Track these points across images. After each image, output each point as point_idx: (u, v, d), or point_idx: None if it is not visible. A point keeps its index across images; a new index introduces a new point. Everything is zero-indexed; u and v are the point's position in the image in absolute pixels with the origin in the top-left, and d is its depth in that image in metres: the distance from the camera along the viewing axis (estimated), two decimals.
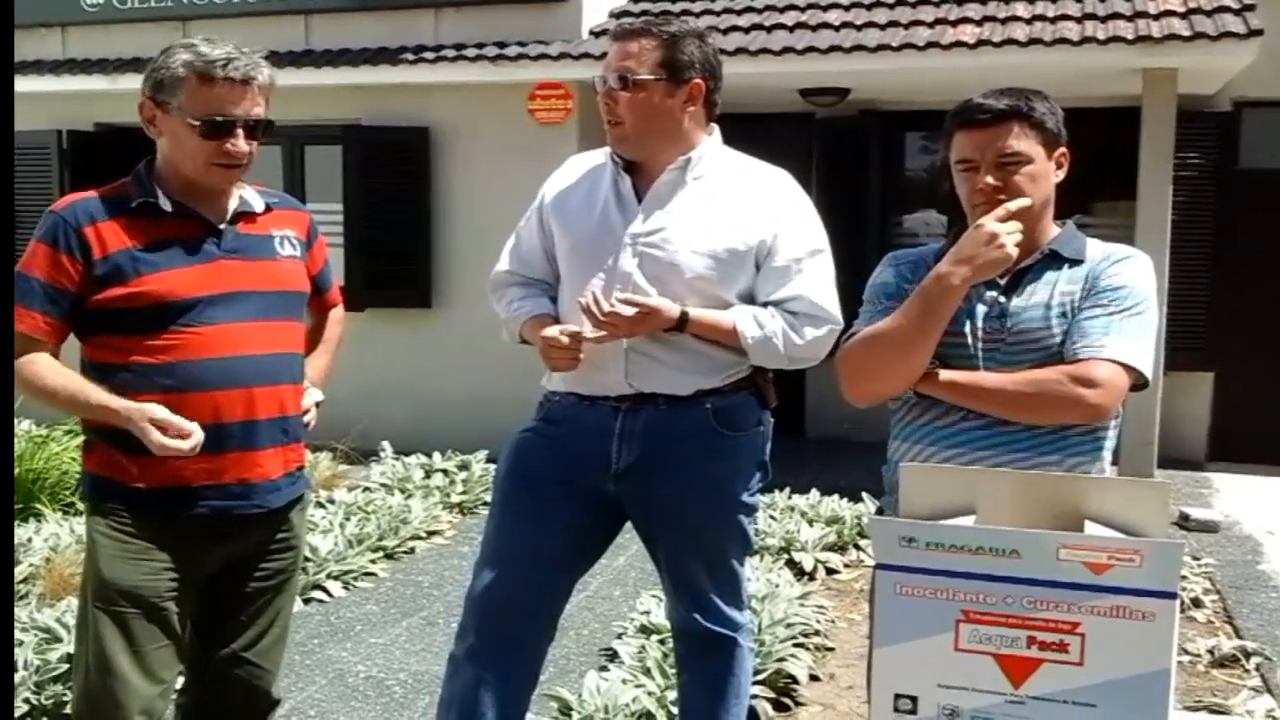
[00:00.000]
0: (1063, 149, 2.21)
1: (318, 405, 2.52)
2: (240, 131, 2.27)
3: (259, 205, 2.42)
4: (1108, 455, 2.20)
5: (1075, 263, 2.19)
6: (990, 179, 2.14)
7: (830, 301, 2.55)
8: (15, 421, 6.22)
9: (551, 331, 2.45)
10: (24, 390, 2.27)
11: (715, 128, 2.62)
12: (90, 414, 2.25)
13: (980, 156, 2.16)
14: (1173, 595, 1.66)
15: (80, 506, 4.92)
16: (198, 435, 2.17)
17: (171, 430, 2.16)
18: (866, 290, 2.33)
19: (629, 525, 2.64)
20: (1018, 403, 2.10)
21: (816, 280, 2.54)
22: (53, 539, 5.07)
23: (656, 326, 2.43)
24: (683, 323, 2.43)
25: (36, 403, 2.30)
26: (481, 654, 2.49)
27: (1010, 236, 2.08)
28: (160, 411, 2.16)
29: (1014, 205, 2.11)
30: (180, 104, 2.24)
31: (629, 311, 2.39)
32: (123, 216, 2.26)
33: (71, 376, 2.25)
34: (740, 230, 2.49)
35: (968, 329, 2.18)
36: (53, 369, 2.25)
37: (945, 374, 2.15)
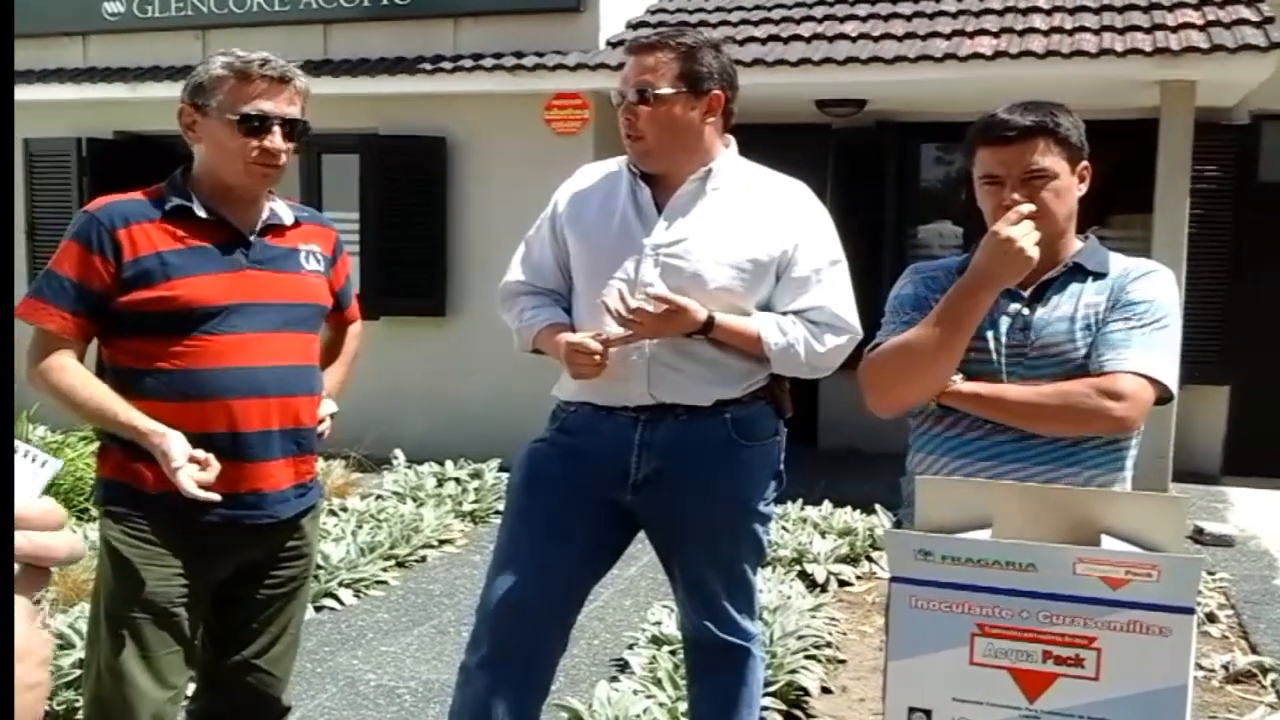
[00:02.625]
0: (1085, 163, 2.21)
1: (332, 417, 2.52)
2: (277, 129, 2.29)
3: (288, 218, 2.43)
4: (1129, 468, 2.19)
5: (1099, 276, 2.19)
6: (1016, 195, 2.14)
7: (849, 312, 2.56)
8: (31, 427, 6.27)
9: (579, 337, 2.45)
10: (53, 396, 2.25)
11: (731, 139, 2.62)
12: (115, 429, 2.24)
13: (1006, 173, 2.16)
14: (1190, 610, 1.65)
15: (94, 512, 4.94)
16: (214, 469, 2.15)
17: (188, 463, 2.13)
18: (889, 302, 2.33)
19: (639, 535, 2.64)
20: (1043, 414, 2.10)
21: (836, 290, 2.55)
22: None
23: (683, 329, 2.42)
24: (708, 326, 2.43)
25: (58, 406, 2.28)
26: (494, 664, 2.48)
27: (1027, 239, 2.08)
28: (179, 443, 2.14)
29: (1024, 209, 2.11)
30: (219, 103, 2.27)
31: (659, 308, 2.38)
32: (155, 220, 2.28)
33: (100, 388, 2.24)
34: (762, 241, 2.49)
35: (991, 341, 2.18)
36: (81, 379, 2.23)
37: (969, 385, 2.15)
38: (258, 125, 2.27)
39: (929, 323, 2.15)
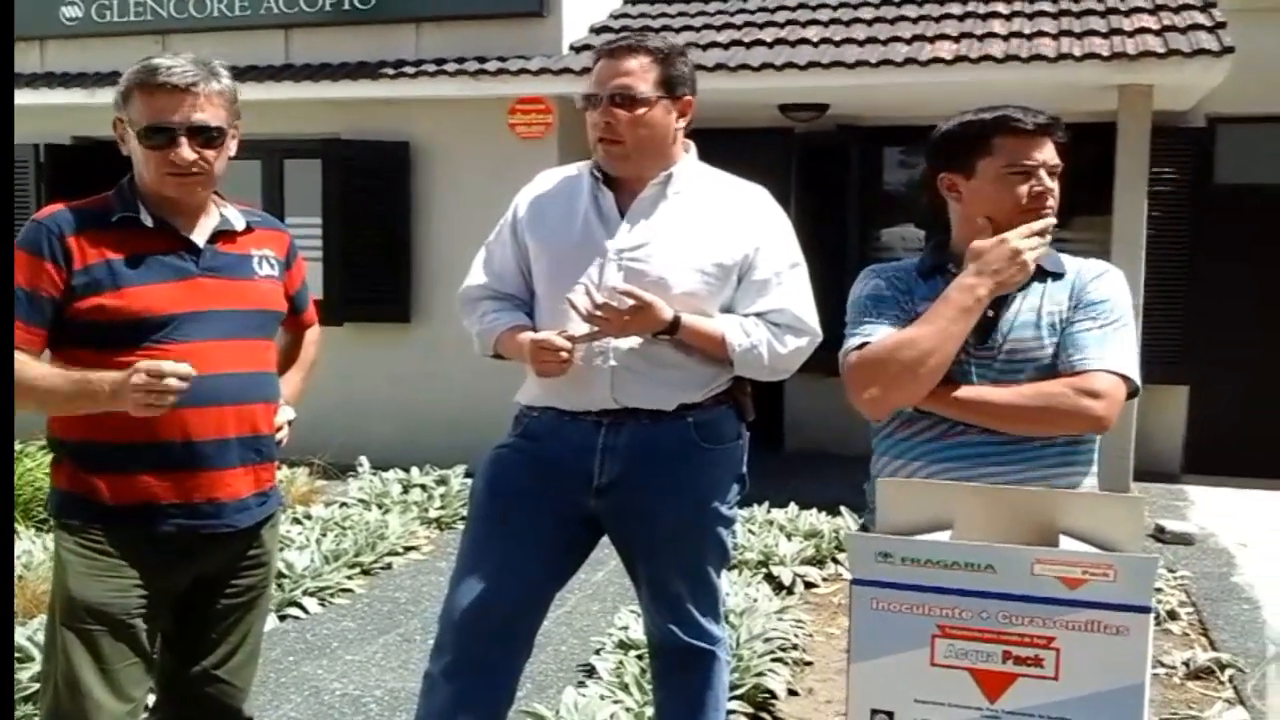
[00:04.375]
0: None
1: (289, 424, 2.50)
2: (183, 140, 2.22)
3: (240, 224, 2.40)
4: (1091, 469, 2.22)
5: (1057, 276, 2.22)
6: (1050, 183, 2.19)
7: (810, 314, 2.57)
8: None
9: (544, 335, 2.44)
10: (19, 399, 2.18)
11: (691, 144, 2.63)
12: (71, 403, 2.18)
13: (1039, 161, 2.18)
14: (1147, 610, 1.67)
15: (53, 523, 4.88)
16: (185, 372, 2.10)
17: (157, 387, 2.09)
18: (855, 303, 2.29)
19: (606, 540, 2.64)
20: (1024, 416, 2.12)
21: (796, 293, 2.56)
22: (25, 556, 5.01)
23: (649, 327, 2.42)
24: (674, 327, 2.43)
25: (29, 408, 2.21)
26: (457, 672, 2.47)
27: (1032, 253, 2.13)
28: (141, 377, 2.09)
29: (1038, 225, 2.16)
30: (131, 116, 2.25)
31: (625, 304, 2.38)
32: (104, 229, 2.25)
33: (45, 371, 2.19)
34: (723, 245, 2.50)
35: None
36: (28, 361, 2.18)
37: (948, 389, 2.14)
38: (162, 138, 2.22)
39: (929, 322, 2.12)
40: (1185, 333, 7.90)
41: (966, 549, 1.73)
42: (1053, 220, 2.18)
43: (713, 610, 2.63)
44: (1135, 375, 2.15)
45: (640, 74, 2.47)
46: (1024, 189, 2.17)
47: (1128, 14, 7.27)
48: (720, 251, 2.50)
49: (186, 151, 2.23)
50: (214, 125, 2.26)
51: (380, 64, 8.02)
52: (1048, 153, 2.19)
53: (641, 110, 2.46)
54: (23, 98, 8.60)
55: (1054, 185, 2.19)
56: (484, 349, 2.64)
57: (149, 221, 2.28)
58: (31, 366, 2.20)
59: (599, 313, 2.38)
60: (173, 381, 2.09)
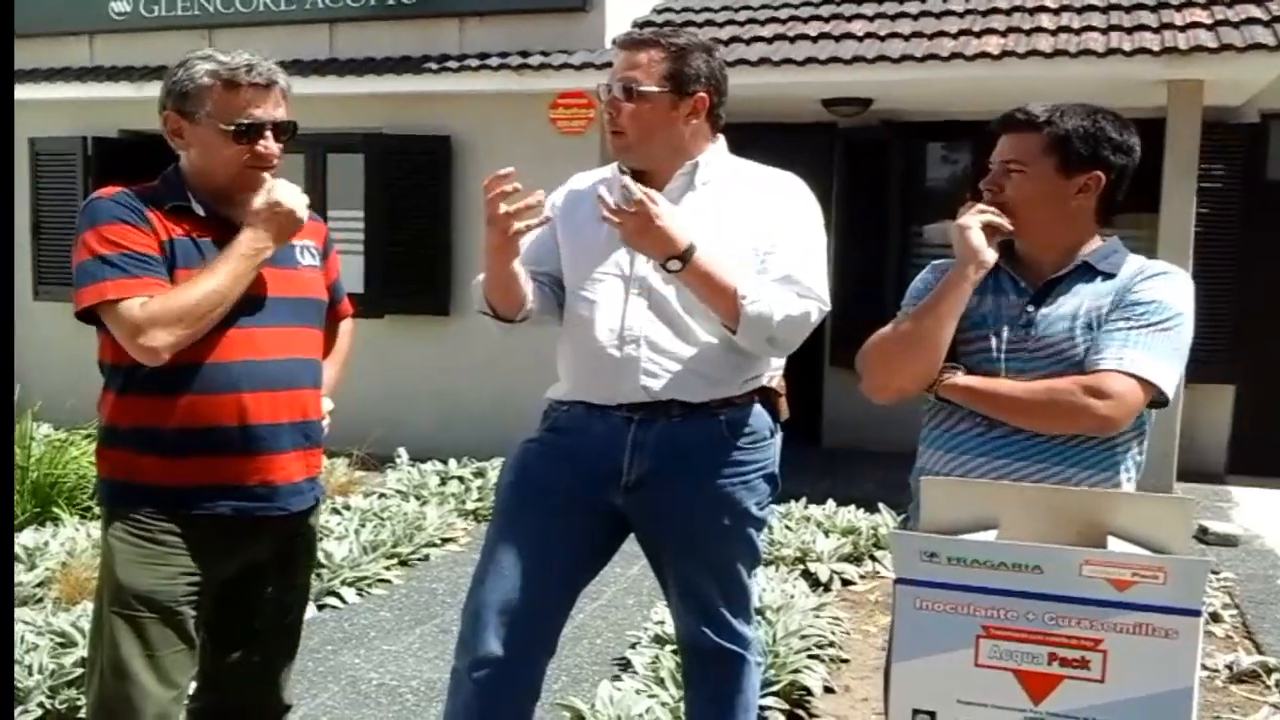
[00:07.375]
0: (1095, 173, 2.19)
1: (329, 414, 2.52)
2: (269, 134, 2.30)
3: None
4: (1125, 473, 2.17)
5: (1108, 276, 2.19)
6: (983, 183, 2.25)
7: (818, 281, 2.45)
8: (36, 425, 6.27)
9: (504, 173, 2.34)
10: (179, 328, 2.15)
11: (721, 137, 2.59)
12: (230, 289, 2.21)
13: (993, 160, 2.25)
14: (1197, 613, 1.64)
15: (98, 511, 4.94)
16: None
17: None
18: (905, 298, 2.37)
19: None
20: (1029, 410, 2.11)
21: (806, 257, 2.46)
22: (69, 543, 5.08)
23: (658, 245, 2.30)
24: (687, 255, 2.31)
25: (189, 337, 2.18)
26: (480, 667, 2.45)
27: (974, 218, 2.18)
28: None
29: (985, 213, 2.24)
30: (209, 111, 2.26)
31: (634, 203, 2.29)
32: (160, 211, 2.28)
33: (194, 281, 2.20)
34: (750, 234, 2.45)
35: (993, 337, 2.20)
36: (177, 291, 2.18)
37: (965, 378, 2.16)
38: (251, 133, 2.28)
39: (913, 310, 2.23)
40: (1232, 332, 7.75)
41: (1014, 549, 1.70)
42: (993, 207, 2.21)
43: (744, 612, 2.59)
44: (1160, 380, 2.07)
45: (647, 68, 2.44)
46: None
47: (1179, 8, 7.14)
48: (746, 241, 2.44)
49: (273, 144, 2.30)
50: (291, 122, 2.35)
51: (423, 58, 8.05)
52: (1012, 149, 2.22)
53: (641, 104, 2.44)
54: (71, 91, 8.74)
55: (1006, 181, 2.21)
56: (479, 302, 2.59)
57: (200, 211, 2.30)
58: (182, 292, 2.17)
59: (617, 209, 2.31)
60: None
